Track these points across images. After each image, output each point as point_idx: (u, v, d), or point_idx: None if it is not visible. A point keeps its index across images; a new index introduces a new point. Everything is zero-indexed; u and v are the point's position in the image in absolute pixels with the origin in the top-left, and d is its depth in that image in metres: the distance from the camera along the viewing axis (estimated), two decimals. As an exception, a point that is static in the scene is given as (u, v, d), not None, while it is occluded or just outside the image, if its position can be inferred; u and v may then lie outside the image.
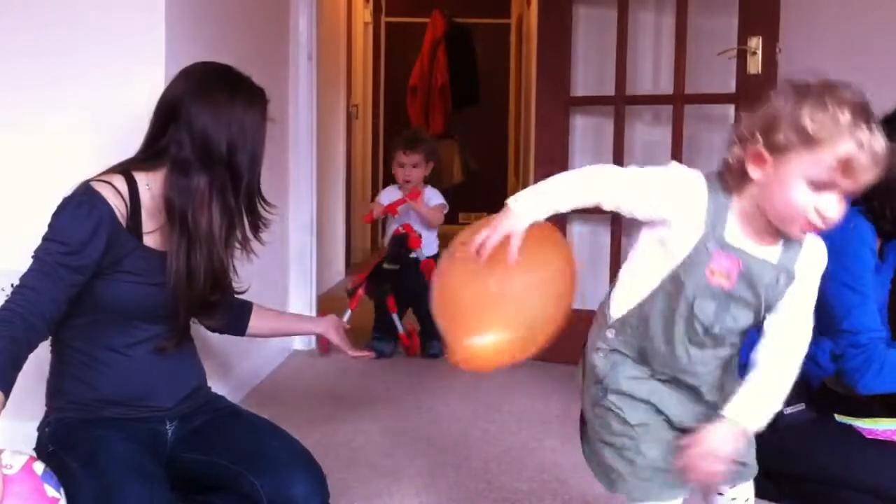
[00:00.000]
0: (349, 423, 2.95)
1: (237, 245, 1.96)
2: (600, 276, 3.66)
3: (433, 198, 4.09)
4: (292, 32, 3.88)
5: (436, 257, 3.75)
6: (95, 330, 1.89)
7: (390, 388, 3.41)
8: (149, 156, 1.90)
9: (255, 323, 2.28)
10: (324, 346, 3.75)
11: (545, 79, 3.88)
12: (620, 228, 3.68)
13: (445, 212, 4.08)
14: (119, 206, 1.83)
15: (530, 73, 5.34)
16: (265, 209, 1.99)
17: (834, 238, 2.02)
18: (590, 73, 3.90)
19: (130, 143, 1.95)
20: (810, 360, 2.30)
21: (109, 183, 1.84)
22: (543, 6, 3.93)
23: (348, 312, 3.82)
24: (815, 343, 2.30)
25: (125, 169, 1.89)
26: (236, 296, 2.16)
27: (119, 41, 2.43)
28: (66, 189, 1.83)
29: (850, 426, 2.33)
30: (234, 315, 2.22)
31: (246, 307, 2.26)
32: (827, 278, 1.94)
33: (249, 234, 1.96)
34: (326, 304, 4.57)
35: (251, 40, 3.32)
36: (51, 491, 1.67)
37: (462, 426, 2.95)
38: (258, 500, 1.83)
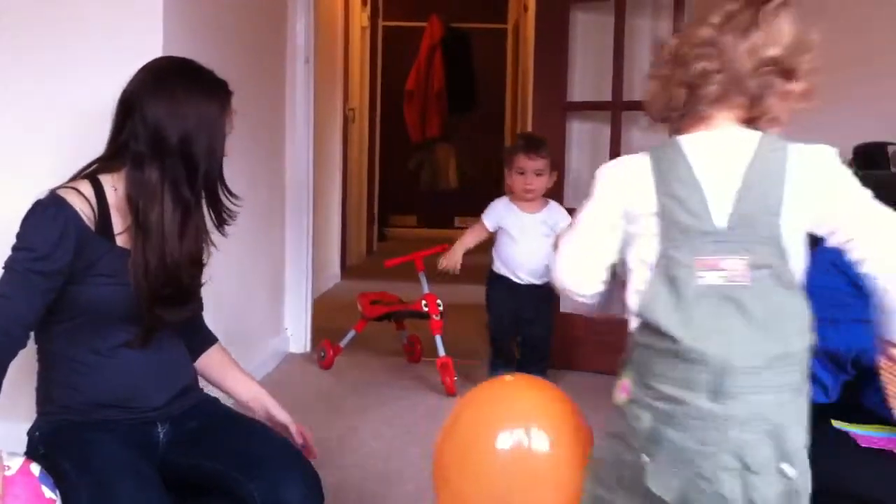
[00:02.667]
0: (343, 427, 2.95)
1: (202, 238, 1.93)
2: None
3: (560, 219, 3.38)
4: (289, 36, 3.88)
5: (546, 286, 3.26)
6: (77, 334, 1.88)
7: (385, 392, 3.40)
8: (112, 153, 1.89)
9: (206, 361, 2.15)
10: (328, 363, 3.73)
11: (542, 84, 3.89)
12: None
13: None
14: (85, 211, 1.82)
15: (527, 78, 5.35)
16: (230, 201, 1.97)
17: None
18: (587, 79, 3.91)
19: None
20: (821, 385, 2.30)
21: (75, 188, 1.84)
22: (540, 12, 3.94)
23: (352, 333, 3.80)
24: (826, 370, 2.31)
25: (91, 173, 1.89)
26: (205, 326, 2.15)
27: (117, 44, 2.43)
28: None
29: (846, 434, 2.33)
30: (194, 339, 2.13)
31: (207, 339, 2.17)
32: None
33: (212, 226, 1.93)
34: (321, 307, 4.57)
35: (248, 44, 3.32)
36: (48, 492, 1.67)
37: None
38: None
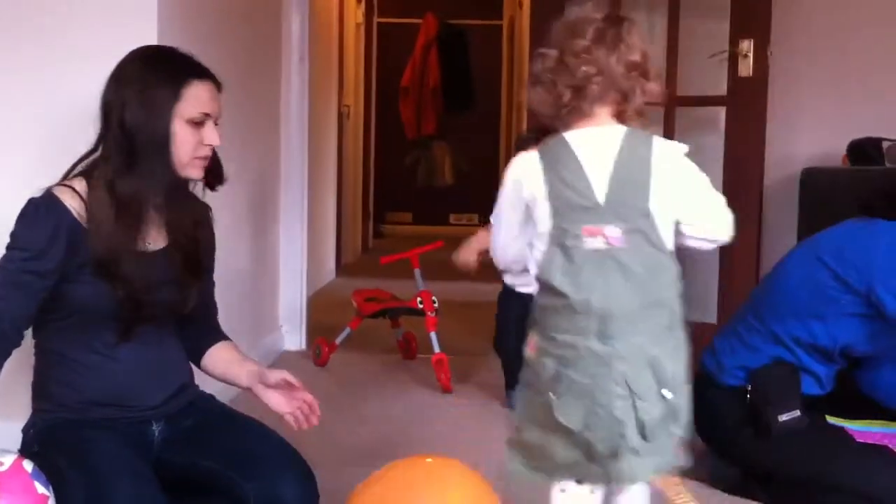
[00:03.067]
0: (339, 425, 2.95)
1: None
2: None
3: None
4: (284, 33, 3.87)
5: None
6: (73, 332, 1.88)
7: (380, 389, 3.40)
8: (97, 149, 1.88)
9: (215, 357, 2.09)
10: (323, 360, 3.73)
11: (537, 80, 3.88)
12: None
13: None
14: (79, 208, 1.81)
15: (522, 74, 5.35)
16: (180, 188, 1.91)
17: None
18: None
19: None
20: (816, 378, 2.31)
21: (69, 186, 1.83)
22: (536, 8, 3.93)
23: (347, 331, 3.79)
24: (816, 362, 2.31)
25: (87, 170, 1.88)
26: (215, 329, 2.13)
27: (110, 41, 2.41)
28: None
29: (843, 429, 2.34)
30: (201, 337, 2.10)
31: (214, 337, 2.11)
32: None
33: (166, 216, 1.88)
34: (317, 304, 4.57)
35: (243, 41, 3.32)
36: (40, 488, 1.67)
37: (453, 428, 2.95)
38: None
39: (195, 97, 1.86)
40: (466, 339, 4.19)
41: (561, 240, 1.62)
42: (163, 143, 1.83)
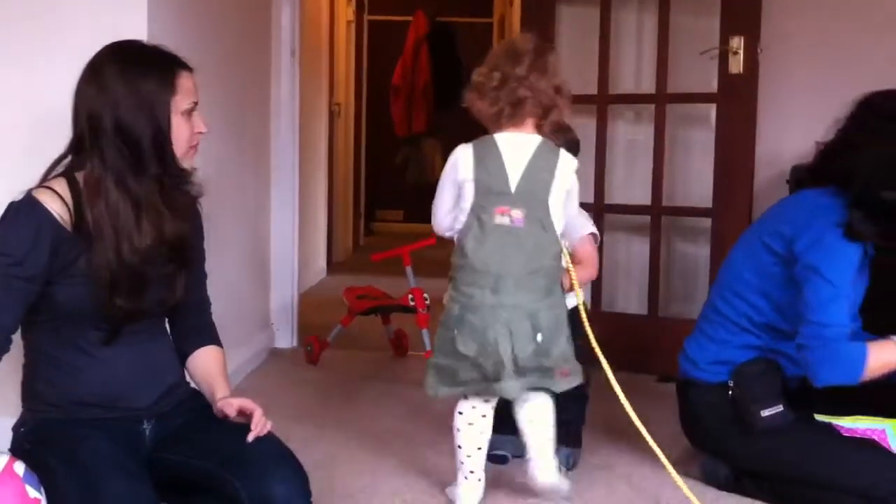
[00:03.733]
0: (330, 421, 2.94)
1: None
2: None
3: (580, 225, 2.52)
4: (274, 29, 3.86)
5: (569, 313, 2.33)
6: (60, 332, 1.87)
7: (372, 386, 3.40)
8: (76, 150, 1.86)
9: (199, 362, 2.07)
10: (314, 357, 3.72)
11: (528, 78, 3.88)
12: (603, 225, 3.68)
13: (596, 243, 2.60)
14: (60, 211, 1.79)
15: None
16: (182, 180, 1.92)
17: (825, 232, 2.07)
18: (572, 73, 3.88)
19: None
20: (789, 358, 2.32)
21: (50, 188, 1.82)
22: (526, 5, 3.94)
23: (338, 328, 3.79)
24: (780, 340, 2.32)
25: (67, 170, 1.86)
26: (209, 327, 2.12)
27: (98, 37, 2.40)
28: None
29: (830, 425, 2.34)
30: (189, 336, 2.08)
31: (203, 338, 2.09)
32: (810, 270, 2.01)
33: (161, 212, 1.86)
34: (308, 302, 4.56)
35: (234, 37, 3.31)
36: (32, 492, 1.66)
37: (442, 423, 2.95)
38: (239, 502, 1.81)
39: (185, 88, 1.87)
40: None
41: (478, 213, 2.15)
42: (166, 137, 1.83)
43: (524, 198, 2.13)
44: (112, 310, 1.82)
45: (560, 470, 2.31)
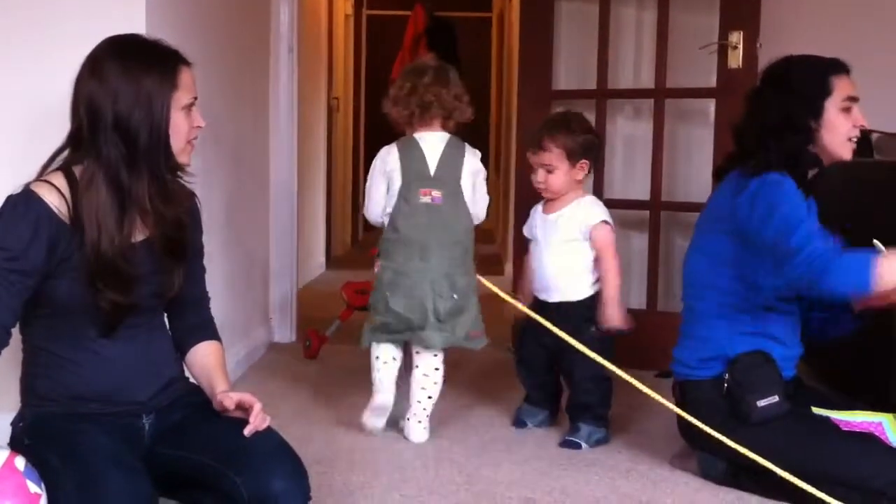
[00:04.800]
0: (329, 416, 2.95)
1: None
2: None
3: (585, 218, 2.76)
4: (273, 24, 3.86)
5: (585, 302, 2.77)
6: (58, 327, 1.86)
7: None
8: (73, 144, 1.85)
9: (198, 357, 2.06)
10: (313, 352, 3.72)
11: (527, 73, 3.88)
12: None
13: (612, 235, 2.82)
14: (58, 205, 1.78)
15: (512, 67, 5.34)
16: (180, 178, 1.91)
17: (753, 186, 2.27)
18: (572, 68, 3.90)
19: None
20: (776, 340, 2.33)
21: (48, 181, 1.81)
22: (525, 0, 3.93)
23: (337, 323, 3.77)
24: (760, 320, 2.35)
25: (65, 164, 1.85)
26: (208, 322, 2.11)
27: (96, 32, 2.40)
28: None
29: (827, 419, 2.35)
30: (188, 330, 2.08)
31: (202, 333, 2.09)
32: (764, 217, 2.23)
33: (155, 207, 1.85)
34: (307, 296, 4.56)
35: (232, 32, 3.31)
36: (33, 487, 1.65)
37: (443, 419, 2.95)
38: (239, 497, 1.81)
39: (186, 84, 1.86)
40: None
41: (405, 195, 2.69)
42: (164, 133, 1.82)
43: (441, 181, 2.69)
44: (103, 303, 1.82)
45: (581, 446, 2.69)
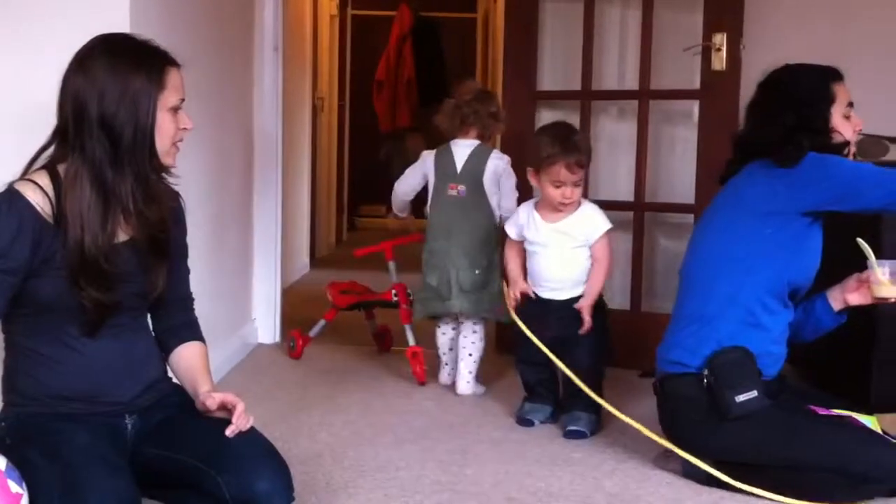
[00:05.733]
0: (313, 417, 2.94)
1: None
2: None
3: (591, 225, 2.91)
4: (257, 23, 3.85)
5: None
6: (41, 326, 1.86)
7: (355, 381, 3.40)
8: (59, 141, 1.85)
9: (181, 357, 2.06)
10: (297, 352, 3.71)
11: (512, 73, 3.88)
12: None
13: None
14: (42, 203, 1.78)
15: (497, 67, 5.35)
16: (164, 178, 1.92)
17: (814, 163, 2.35)
18: (556, 68, 3.91)
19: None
20: (765, 330, 2.34)
21: (32, 180, 1.81)
22: (510, 1, 3.93)
23: (322, 323, 3.77)
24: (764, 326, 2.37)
25: (50, 162, 1.85)
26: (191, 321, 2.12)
27: (80, 31, 2.39)
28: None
29: (804, 407, 2.38)
30: (172, 330, 2.08)
31: (186, 333, 2.09)
32: (830, 177, 2.34)
33: (138, 207, 1.85)
34: (291, 296, 4.55)
35: (216, 31, 3.30)
36: (14, 487, 1.65)
37: (427, 419, 2.95)
38: (221, 498, 1.80)
39: (174, 85, 1.86)
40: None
41: (438, 188, 3.29)
42: (150, 133, 1.82)
43: (466, 178, 3.23)
44: (87, 302, 1.81)
45: (587, 434, 2.79)
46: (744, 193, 2.44)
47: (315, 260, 6.37)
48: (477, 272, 3.18)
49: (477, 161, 3.23)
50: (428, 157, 3.36)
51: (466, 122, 3.27)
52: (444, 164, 3.28)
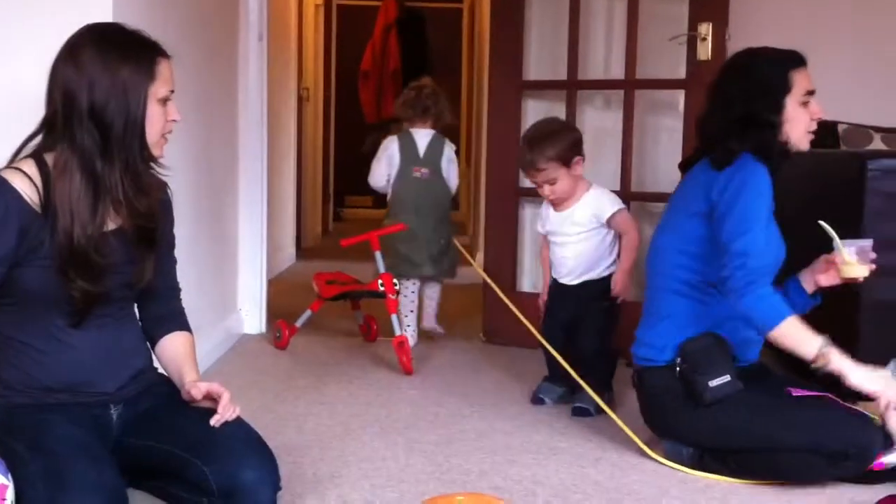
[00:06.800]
0: (299, 407, 2.94)
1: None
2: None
3: (598, 210, 3.01)
4: (242, 12, 3.83)
5: (606, 279, 3.03)
6: (26, 317, 1.85)
7: (341, 372, 3.40)
8: (47, 130, 1.84)
9: (167, 347, 2.07)
10: (283, 343, 3.70)
11: (498, 63, 3.88)
12: None
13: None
14: (29, 192, 1.78)
15: (483, 57, 5.34)
16: (155, 170, 1.92)
17: (736, 176, 2.31)
18: (542, 58, 3.91)
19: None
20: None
21: (19, 169, 1.80)
22: (496, -9, 3.92)
23: (308, 313, 3.77)
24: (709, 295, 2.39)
25: (36, 151, 1.84)
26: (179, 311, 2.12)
27: (63, 18, 2.37)
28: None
29: (780, 388, 2.40)
30: (162, 319, 2.08)
31: (173, 323, 2.09)
32: (725, 212, 2.30)
33: (128, 197, 1.85)
34: (277, 287, 4.54)
35: (201, 20, 3.28)
36: (0, 478, 1.64)
37: (413, 409, 2.96)
38: (207, 488, 1.80)
39: (164, 76, 1.86)
40: (427, 321, 4.21)
41: (404, 170, 3.82)
42: (140, 124, 1.82)
43: (428, 161, 3.83)
44: (74, 292, 1.80)
45: (591, 412, 2.85)
46: (685, 190, 2.51)
47: (301, 250, 6.37)
48: (442, 241, 3.82)
49: (437, 148, 3.87)
50: (392, 143, 3.89)
51: (427, 113, 3.86)
52: (408, 149, 3.85)
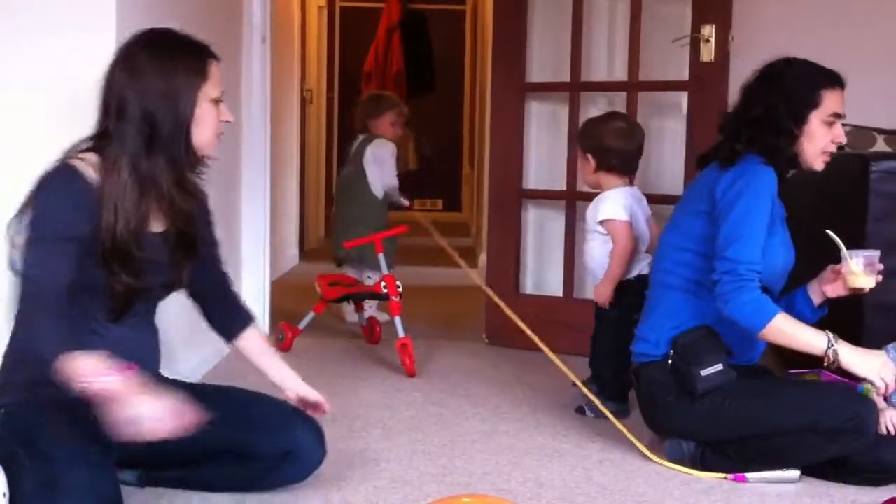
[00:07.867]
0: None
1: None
2: (553, 260, 3.68)
3: (597, 210, 2.97)
4: (245, 14, 3.83)
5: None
6: (71, 307, 1.86)
7: (344, 374, 3.40)
8: (100, 132, 1.89)
9: (245, 343, 2.25)
10: (286, 345, 3.70)
11: (501, 65, 3.88)
12: (574, 213, 3.69)
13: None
14: (94, 178, 1.84)
15: (485, 59, 5.34)
16: (194, 171, 1.98)
17: (739, 179, 2.31)
18: (545, 60, 3.91)
19: (76, 117, 1.94)
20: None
21: (81, 158, 1.85)
22: (499, -7, 3.92)
23: (311, 315, 3.77)
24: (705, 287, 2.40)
25: (94, 147, 1.89)
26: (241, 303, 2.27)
27: (67, 18, 2.38)
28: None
29: (771, 373, 2.41)
30: (225, 316, 2.23)
31: (241, 319, 2.25)
32: (724, 214, 2.29)
33: (171, 195, 1.92)
34: (280, 289, 4.54)
35: (204, 22, 3.27)
36: (-6, 481, 1.65)
37: (416, 411, 2.95)
38: (257, 457, 1.86)
39: (215, 77, 1.92)
40: (431, 323, 4.20)
41: (341, 171, 4.39)
42: (187, 125, 1.87)
43: (351, 162, 4.24)
44: (118, 285, 1.86)
45: (585, 412, 2.89)
46: (693, 188, 2.52)
47: (304, 252, 6.37)
48: (357, 235, 4.00)
49: (361, 148, 4.30)
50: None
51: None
52: (347, 152, 4.48)
